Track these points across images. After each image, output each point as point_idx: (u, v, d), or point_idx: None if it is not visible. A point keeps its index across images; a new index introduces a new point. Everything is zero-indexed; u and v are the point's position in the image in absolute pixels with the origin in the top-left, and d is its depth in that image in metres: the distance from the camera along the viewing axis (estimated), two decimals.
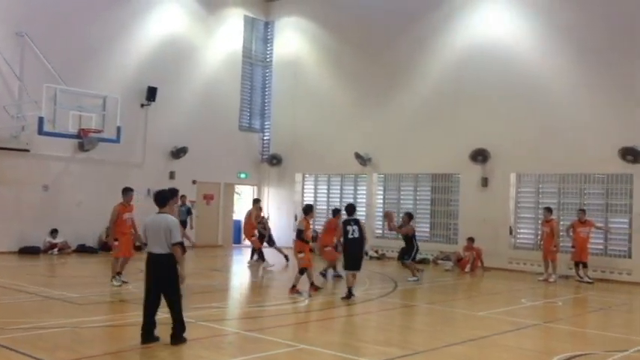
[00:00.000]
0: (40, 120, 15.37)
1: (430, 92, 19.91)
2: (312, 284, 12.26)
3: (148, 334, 7.53)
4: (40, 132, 15.46)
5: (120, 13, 20.02)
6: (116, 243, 11.82)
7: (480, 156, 18.32)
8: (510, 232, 17.93)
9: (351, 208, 12.26)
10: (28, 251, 17.27)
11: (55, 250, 17.67)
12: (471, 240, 17.43)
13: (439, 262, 18.57)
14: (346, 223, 11.95)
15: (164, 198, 7.82)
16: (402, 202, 20.90)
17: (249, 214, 17.59)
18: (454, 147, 18.93)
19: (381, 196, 21.42)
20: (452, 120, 19.21)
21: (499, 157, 18.12)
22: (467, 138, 18.62)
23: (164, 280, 7.53)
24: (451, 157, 19.06)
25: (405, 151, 20.24)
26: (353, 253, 11.92)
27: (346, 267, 12.01)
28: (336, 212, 14.73)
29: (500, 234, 17.93)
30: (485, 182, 18.38)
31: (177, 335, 7.57)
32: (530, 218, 18.04)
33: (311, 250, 12.76)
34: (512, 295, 13.50)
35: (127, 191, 12.16)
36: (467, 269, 17.02)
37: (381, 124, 20.90)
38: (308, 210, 12.82)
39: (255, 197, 21.36)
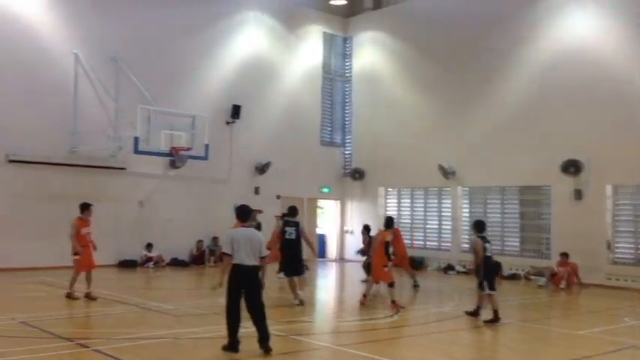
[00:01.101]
0: (136, 140, 16.14)
1: (515, 101, 19.38)
2: (393, 302, 12.14)
3: (237, 343, 7.73)
4: (136, 151, 16.23)
5: (205, 37, 20.81)
6: (77, 257, 11.79)
7: (571, 167, 17.58)
8: (608, 247, 17.05)
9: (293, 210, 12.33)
10: (126, 264, 18.13)
11: (151, 263, 18.48)
12: (565, 255, 16.70)
13: (531, 277, 17.89)
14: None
15: (247, 212, 8.13)
16: (488, 215, 20.33)
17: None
18: (543, 158, 18.29)
19: (467, 210, 20.96)
20: (540, 130, 18.58)
21: (593, 167, 17.31)
22: (557, 148, 17.94)
23: (255, 290, 7.78)
24: (540, 168, 18.41)
25: (491, 163, 19.75)
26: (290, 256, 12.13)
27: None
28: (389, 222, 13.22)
29: (596, 249, 17.08)
30: (578, 194, 17.61)
31: (268, 343, 7.74)
32: (629, 232, 17.08)
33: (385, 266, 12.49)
34: (613, 313, 12.80)
35: (86, 206, 12.18)
36: (562, 285, 16.29)
37: (465, 135, 20.54)
38: (390, 223, 12.74)
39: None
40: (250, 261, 7.71)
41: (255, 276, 7.86)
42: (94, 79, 18.17)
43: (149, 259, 18.55)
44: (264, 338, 7.71)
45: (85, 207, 12.28)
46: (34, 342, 8.35)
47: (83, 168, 17.81)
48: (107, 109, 18.51)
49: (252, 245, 7.74)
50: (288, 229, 12.20)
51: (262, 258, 7.95)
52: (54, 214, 16.59)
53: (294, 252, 12.14)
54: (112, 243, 18.05)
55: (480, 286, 11.16)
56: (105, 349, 7.79)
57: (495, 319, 10.71)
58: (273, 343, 7.84)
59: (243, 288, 7.71)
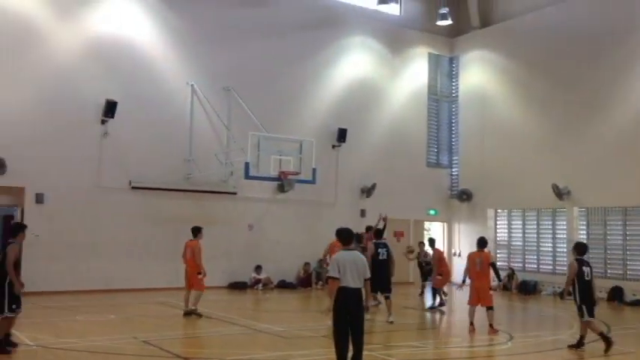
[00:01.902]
0: (246, 165, 16.72)
1: (633, 118, 18.26)
2: (490, 325, 11.81)
3: None
4: (247, 176, 16.82)
5: (311, 63, 21.37)
6: (202, 277, 12.89)
7: None
8: None
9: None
10: (236, 286, 18.77)
11: (260, 285, 19.01)
12: None
13: None
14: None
15: (351, 236, 8.23)
16: (608, 237, 19.15)
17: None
18: None
19: (584, 232, 19.83)
20: None
21: None
22: None
23: (360, 313, 7.80)
24: None
25: (609, 182, 18.61)
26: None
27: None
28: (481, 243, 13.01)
29: None
30: None
31: None
32: None
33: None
34: None
35: (200, 229, 13.39)
36: None
37: (579, 154, 19.53)
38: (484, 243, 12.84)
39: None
40: (356, 284, 7.79)
41: (360, 298, 7.89)
42: (208, 108, 19.16)
43: (258, 281, 19.10)
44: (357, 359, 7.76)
45: (199, 230, 13.36)
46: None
47: (197, 193, 18.75)
48: (220, 137, 19.44)
49: (357, 268, 7.83)
50: (380, 250, 13.37)
51: (366, 280, 7.96)
52: (171, 237, 17.58)
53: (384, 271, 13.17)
54: (223, 265, 18.79)
55: (580, 313, 10.64)
56: None
57: (579, 345, 10.40)
58: None
59: (349, 310, 7.74)
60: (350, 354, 7.81)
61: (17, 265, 9.00)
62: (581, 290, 10.71)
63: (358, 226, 18.91)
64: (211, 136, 19.36)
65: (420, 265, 18.62)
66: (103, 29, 17.84)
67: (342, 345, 7.69)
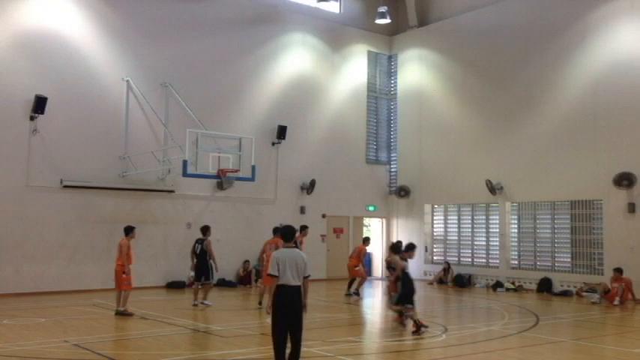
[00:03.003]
0: (184, 163, 16.46)
1: (564, 115, 19.01)
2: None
3: None
4: (185, 174, 16.56)
5: (251, 59, 21.24)
6: (128, 277, 12.86)
7: (624, 180, 17.10)
8: None
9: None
10: (175, 286, 18.49)
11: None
12: (618, 270, 16.18)
13: (583, 294, 17.40)
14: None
15: (292, 233, 8.21)
16: (538, 231, 19.94)
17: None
18: (594, 172, 17.86)
19: (516, 226, 20.57)
20: (590, 144, 18.17)
21: None
22: (608, 162, 17.49)
23: (298, 311, 7.81)
24: (591, 182, 17.97)
25: (540, 178, 19.37)
26: None
27: None
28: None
29: None
30: (632, 208, 17.08)
31: None
32: None
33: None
34: None
35: (132, 229, 13.28)
36: (616, 302, 15.78)
37: (512, 151, 20.23)
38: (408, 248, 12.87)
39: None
40: (295, 281, 7.83)
41: (299, 296, 7.93)
42: (145, 104, 18.75)
43: None
44: (295, 358, 7.80)
45: (131, 230, 13.28)
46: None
47: (133, 192, 18.34)
48: (157, 134, 19.06)
49: (297, 266, 7.87)
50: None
51: (305, 278, 7.99)
52: (105, 237, 17.16)
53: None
54: (161, 264, 18.49)
55: (402, 301, 11.84)
56: None
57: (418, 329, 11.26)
58: None
59: (289, 308, 7.77)
60: (288, 351, 7.87)
61: None
62: (405, 282, 11.88)
63: (298, 224, 19.00)
64: (148, 133, 18.95)
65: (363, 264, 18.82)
66: (33, 22, 17.17)
67: (281, 342, 7.74)
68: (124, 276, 12.78)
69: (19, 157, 16.66)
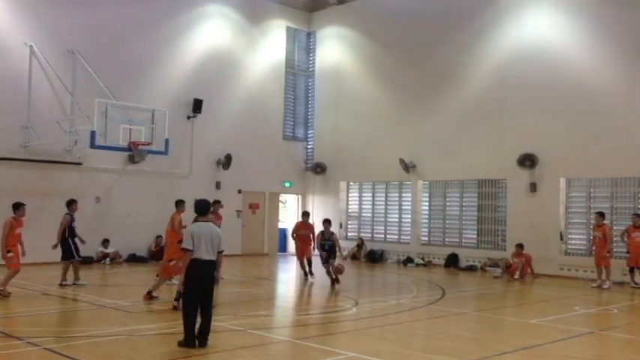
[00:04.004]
0: (92, 134, 15.80)
1: (474, 97, 19.70)
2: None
3: (194, 337, 7.75)
4: (93, 145, 15.90)
5: (165, 29, 20.54)
6: (10, 255, 11.68)
7: (527, 161, 17.99)
8: (561, 238, 17.52)
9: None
10: (82, 261, 17.72)
11: (107, 259, 18.20)
12: (520, 246, 17.10)
13: (487, 268, 18.29)
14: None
15: (207, 207, 8.20)
16: (447, 208, 20.70)
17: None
18: (500, 152, 18.68)
19: (427, 203, 21.25)
20: (497, 125, 18.96)
21: (547, 161, 17.77)
22: (513, 143, 18.34)
23: (211, 284, 7.86)
24: (498, 162, 18.80)
25: (450, 157, 20.05)
26: None
27: None
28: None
29: (550, 240, 17.56)
30: (533, 187, 18.04)
31: (207, 337, 7.84)
32: (581, 223, 17.60)
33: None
34: (565, 302, 13.17)
35: (18, 206, 12.03)
36: (516, 276, 16.71)
37: (425, 130, 20.79)
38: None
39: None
40: (209, 256, 7.80)
41: (213, 271, 7.97)
42: (50, 71, 17.76)
43: (105, 256, 18.27)
44: (205, 332, 7.81)
45: (18, 206, 12.03)
46: None
47: (37, 163, 17.42)
48: (63, 103, 18.12)
49: (212, 240, 7.83)
50: None
51: (220, 252, 8.04)
52: (6, 211, 16.15)
53: None
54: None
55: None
56: (56, 348, 7.65)
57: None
58: (230, 337, 7.82)
59: (202, 281, 7.77)
60: (198, 325, 7.78)
61: None
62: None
63: (213, 198, 18.73)
64: (53, 102, 17.99)
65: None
66: None
67: (192, 316, 7.72)
68: (8, 255, 11.62)
69: None
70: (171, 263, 11.53)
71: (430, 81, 20.85)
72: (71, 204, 13.80)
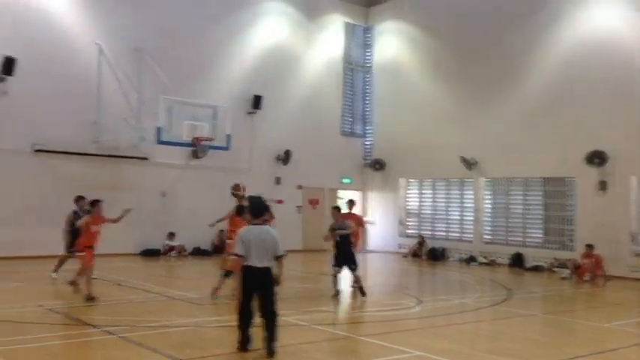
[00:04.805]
0: (158, 130, 16.25)
1: (539, 92, 19.14)
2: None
3: (247, 343, 7.30)
4: (159, 141, 16.35)
5: (226, 27, 20.86)
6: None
7: (596, 158, 17.35)
8: (632, 239, 16.82)
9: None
10: (149, 253, 18.35)
11: (173, 252, 18.68)
12: (589, 247, 16.51)
13: (555, 269, 17.74)
14: None
15: (262, 208, 7.32)
16: (510, 207, 20.20)
17: None
18: (567, 149, 18.09)
19: (490, 201, 20.80)
20: (563, 121, 18.36)
21: (618, 159, 17.08)
22: (580, 140, 17.72)
23: (268, 294, 7.13)
24: (564, 160, 18.21)
25: (514, 154, 19.56)
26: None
27: None
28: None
29: (621, 240, 16.88)
30: (603, 186, 17.39)
31: (273, 345, 7.17)
32: None
33: None
34: (638, 305, 12.63)
35: (95, 203, 11.36)
36: (586, 277, 16.12)
37: (487, 126, 20.35)
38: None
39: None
40: (262, 262, 7.04)
41: (268, 279, 7.13)
42: (117, 69, 18.30)
43: (171, 249, 18.76)
44: (271, 341, 7.17)
45: (94, 204, 11.50)
46: (62, 329, 8.51)
47: (106, 158, 18.02)
48: (130, 100, 18.63)
49: (264, 245, 7.06)
50: None
51: (278, 258, 7.19)
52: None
53: None
54: (135, 232, 18.23)
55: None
56: (131, 336, 7.89)
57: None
58: (294, 332, 7.83)
59: (256, 291, 7.14)
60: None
61: None
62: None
63: (273, 194, 18.94)
64: (120, 99, 18.50)
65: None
66: None
67: (244, 325, 7.20)
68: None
69: None
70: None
71: (492, 76, 20.39)
72: (78, 200, 12.94)
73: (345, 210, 13.12)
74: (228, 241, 13.93)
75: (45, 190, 16.96)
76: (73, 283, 11.72)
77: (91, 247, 10.90)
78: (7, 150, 16.52)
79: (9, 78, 16.35)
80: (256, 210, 7.27)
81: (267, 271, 7.10)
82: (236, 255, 7.08)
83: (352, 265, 11.97)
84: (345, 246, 11.98)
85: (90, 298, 10.36)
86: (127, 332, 8.12)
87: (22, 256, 16.07)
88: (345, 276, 12.37)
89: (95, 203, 11.20)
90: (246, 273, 7.07)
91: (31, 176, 16.79)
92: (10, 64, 16.22)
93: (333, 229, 12.12)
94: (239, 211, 11.57)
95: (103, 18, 18.25)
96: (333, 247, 12.25)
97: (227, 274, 10.89)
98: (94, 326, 8.49)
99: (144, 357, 7.12)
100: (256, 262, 7.01)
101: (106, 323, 8.63)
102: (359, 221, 13.83)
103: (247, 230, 7.16)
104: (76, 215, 12.61)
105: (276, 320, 7.20)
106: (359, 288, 9.39)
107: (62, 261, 13.02)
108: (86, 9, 18.03)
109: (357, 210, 24.05)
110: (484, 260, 19.74)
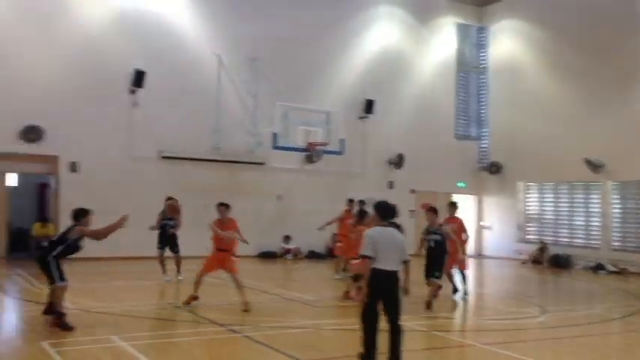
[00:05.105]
0: (274, 135, 16.73)
1: None
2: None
3: (372, 354, 6.86)
4: (275, 146, 16.82)
5: (338, 33, 21.09)
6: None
7: None
8: None
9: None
10: (266, 256, 18.90)
11: (289, 255, 19.12)
12: None
13: None
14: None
15: (390, 210, 6.98)
16: None
17: None
18: None
19: (619, 206, 19.46)
20: None
21: None
22: None
23: (394, 298, 6.78)
24: None
25: None
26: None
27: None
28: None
29: None
30: None
31: (399, 357, 6.78)
32: None
33: None
34: None
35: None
36: None
37: (614, 126, 19.09)
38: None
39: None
40: (392, 266, 6.75)
41: (396, 284, 6.81)
42: (235, 78, 19.10)
43: (287, 251, 19.21)
44: (396, 351, 6.74)
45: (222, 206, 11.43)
46: (191, 326, 8.94)
47: (225, 163, 18.80)
48: (247, 107, 19.37)
49: (396, 248, 6.78)
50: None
51: (405, 262, 6.89)
52: (200, 206, 17.56)
53: None
54: (252, 235, 18.58)
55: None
56: (254, 336, 8.13)
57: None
58: (415, 338, 7.72)
59: (382, 296, 6.78)
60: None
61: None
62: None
63: (385, 199, 18.83)
64: (238, 107, 19.31)
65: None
66: (131, 1, 17.82)
67: (370, 331, 6.79)
68: None
69: (121, 129, 17.46)
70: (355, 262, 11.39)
71: (619, 73, 19.12)
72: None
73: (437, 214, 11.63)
74: (338, 244, 14.11)
75: (171, 194, 17.89)
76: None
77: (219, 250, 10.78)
78: (139, 157, 17.69)
79: (139, 90, 17.51)
80: (384, 211, 6.98)
81: (395, 275, 6.78)
82: (363, 256, 6.75)
83: (437, 273, 11.00)
84: (438, 254, 11.04)
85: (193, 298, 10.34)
86: (250, 332, 8.38)
87: (148, 257, 17.05)
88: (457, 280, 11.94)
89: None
90: (374, 276, 6.73)
91: (157, 181, 17.83)
92: (140, 77, 17.38)
93: (428, 232, 11.20)
94: (361, 216, 11.47)
95: (221, 30, 19.09)
96: (423, 254, 11.22)
97: (356, 277, 10.46)
98: (220, 325, 8.84)
99: (268, 356, 7.31)
100: (386, 264, 6.70)
101: (230, 322, 8.96)
102: (460, 227, 12.33)
103: (375, 231, 6.86)
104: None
105: (401, 337, 6.77)
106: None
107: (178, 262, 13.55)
108: (206, 22, 18.95)
109: (467, 215, 23.56)
110: (614, 268, 18.47)
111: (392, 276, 6.74)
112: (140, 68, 17.39)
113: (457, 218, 12.48)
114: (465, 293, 12.16)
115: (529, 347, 8.65)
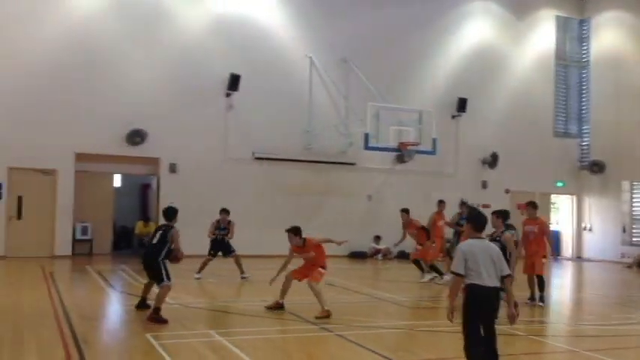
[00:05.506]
0: (366, 136, 16.74)
1: None
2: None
3: None
4: (366, 147, 16.83)
5: (431, 31, 20.84)
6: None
7: None
8: None
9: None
10: (356, 256, 19.00)
11: (379, 255, 19.11)
12: None
13: None
14: None
15: (483, 219, 6.36)
16: None
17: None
18: None
19: None
20: None
21: None
22: None
23: (492, 317, 6.19)
24: None
25: None
26: None
27: None
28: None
29: None
30: None
31: None
32: None
33: None
34: None
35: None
36: None
37: None
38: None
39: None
40: (491, 281, 6.07)
41: (496, 300, 6.19)
42: (327, 80, 19.34)
43: (377, 252, 19.21)
44: (493, 352, 6.16)
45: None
46: (282, 323, 9.15)
47: (317, 163, 19.07)
48: (338, 108, 19.56)
49: (492, 261, 6.13)
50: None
51: (505, 277, 6.16)
52: (293, 206, 18.02)
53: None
54: (343, 234, 18.71)
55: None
56: (347, 335, 8.20)
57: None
58: (511, 342, 7.52)
59: (481, 312, 6.15)
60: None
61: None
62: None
63: (478, 199, 18.48)
64: (330, 108, 19.53)
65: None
66: (226, 6, 18.46)
67: (473, 347, 6.11)
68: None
69: (217, 131, 18.17)
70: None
71: None
72: (173, 215, 9.61)
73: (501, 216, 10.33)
74: (418, 247, 13.95)
75: (264, 194, 18.47)
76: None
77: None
78: (233, 159, 18.31)
79: (234, 93, 18.12)
80: (479, 222, 6.38)
81: (496, 292, 6.13)
82: (455, 274, 6.14)
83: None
84: None
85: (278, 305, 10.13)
86: (342, 331, 8.46)
87: (241, 255, 17.56)
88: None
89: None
90: (472, 292, 6.06)
91: (251, 181, 18.38)
92: (235, 81, 17.99)
93: (491, 239, 9.42)
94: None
95: (313, 32, 19.39)
96: None
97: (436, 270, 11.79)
98: (312, 323, 8.99)
99: (361, 356, 7.36)
100: (486, 280, 6.06)
101: (323, 321, 9.09)
102: (542, 229, 11.37)
103: (470, 244, 6.25)
104: None
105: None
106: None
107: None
108: (298, 25, 19.31)
109: (566, 215, 22.58)
110: None
111: (493, 293, 6.12)
112: (235, 72, 17.97)
113: (538, 219, 11.60)
114: (542, 300, 11.21)
115: (634, 355, 8.21)
